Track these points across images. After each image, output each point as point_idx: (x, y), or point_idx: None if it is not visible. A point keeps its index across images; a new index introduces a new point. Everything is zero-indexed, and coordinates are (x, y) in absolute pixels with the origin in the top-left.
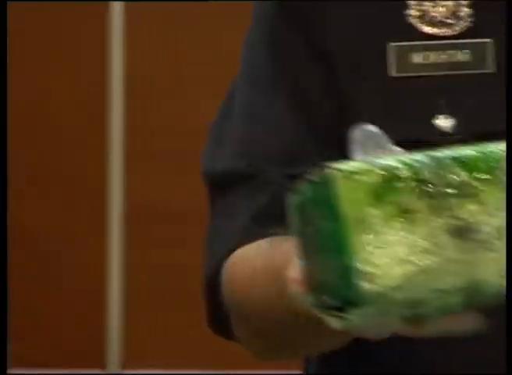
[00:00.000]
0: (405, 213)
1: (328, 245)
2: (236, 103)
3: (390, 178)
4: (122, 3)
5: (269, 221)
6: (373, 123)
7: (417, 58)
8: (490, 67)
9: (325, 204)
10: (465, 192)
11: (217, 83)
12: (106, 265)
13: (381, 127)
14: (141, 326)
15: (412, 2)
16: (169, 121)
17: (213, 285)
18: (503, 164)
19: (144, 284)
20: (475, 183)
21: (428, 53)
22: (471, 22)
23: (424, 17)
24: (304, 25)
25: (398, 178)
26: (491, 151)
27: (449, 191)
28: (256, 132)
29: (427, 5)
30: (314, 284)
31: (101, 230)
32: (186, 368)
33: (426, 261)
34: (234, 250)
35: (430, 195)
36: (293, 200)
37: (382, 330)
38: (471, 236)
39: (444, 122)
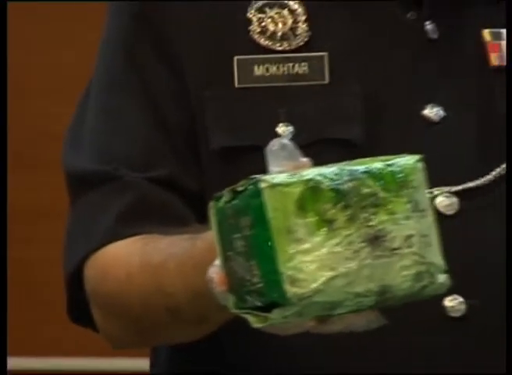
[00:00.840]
0: (326, 222)
1: (254, 251)
2: (93, 106)
3: (312, 190)
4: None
5: (132, 221)
6: (220, 129)
7: (259, 70)
8: (326, 79)
9: (253, 213)
10: (376, 203)
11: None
12: None
13: (226, 133)
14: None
15: (254, 18)
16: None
17: (74, 281)
18: (410, 177)
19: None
20: (384, 195)
21: (268, 66)
22: (307, 37)
23: (265, 32)
24: (154, 28)
25: (319, 190)
26: (399, 165)
27: (363, 201)
28: (112, 137)
29: (268, 22)
30: (236, 285)
31: None
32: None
33: (345, 267)
34: (97, 249)
35: (347, 206)
36: (215, 206)
37: (294, 329)
38: (384, 244)
39: (284, 129)
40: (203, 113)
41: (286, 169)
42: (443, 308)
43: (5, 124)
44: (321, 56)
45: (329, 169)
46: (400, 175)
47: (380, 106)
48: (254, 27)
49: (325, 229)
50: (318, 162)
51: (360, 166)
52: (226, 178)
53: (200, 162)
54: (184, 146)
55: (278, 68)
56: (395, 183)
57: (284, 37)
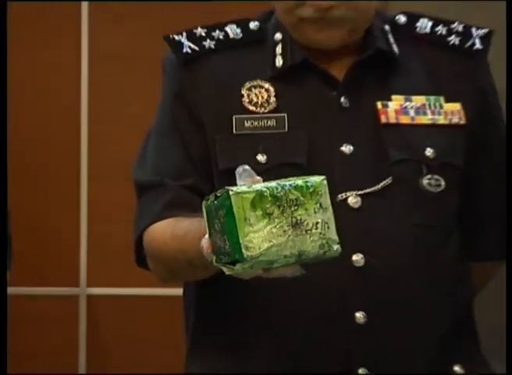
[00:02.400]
0: (267, 215)
1: (226, 230)
2: (152, 143)
3: (260, 196)
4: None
5: (170, 209)
6: (224, 157)
7: (247, 124)
8: (285, 128)
9: (225, 208)
10: (297, 203)
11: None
12: None
13: (227, 160)
14: None
15: (245, 93)
16: None
17: (138, 242)
18: (318, 189)
19: None
20: (302, 199)
21: (252, 121)
22: (275, 105)
23: (251, 102)
24: (187, 101)
25: (264, 196)
26: (311, 181)
27: (289, 203)
28: (161, 161)
29: (253, 96)
30: (216, 250)
31: None
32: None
33: (277, 240)
34: (150, 225)
35: (280, 205)
36: (205, 204)
37: (249, 275)
38: (301, 227)
39: (261, 158)
40: (214, 148)
41: (246, 183)
42: (351, 261)
43: (5, 124)
44: (283, 116)
45: (271, 184)
46: (312, 187)
47: (315, 145)
48: (245, 99)
49: (266, 219)
50: (279, 176)
51: (289, 181)
52: (227, 185)
53: (213, 177)
54: (203, 167)
55: (258, 122)
56: (308, 192)
57: (262, 105)
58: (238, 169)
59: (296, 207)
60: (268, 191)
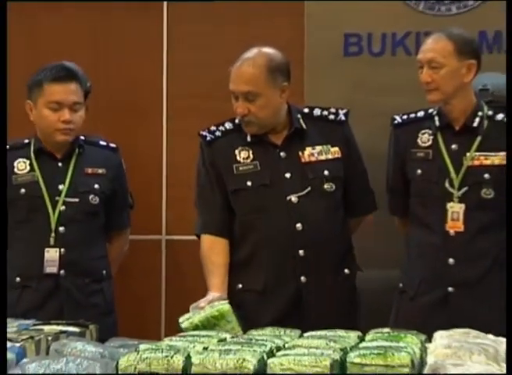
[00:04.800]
0: (198, 327)
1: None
2: (197, 194)
3: (194, 325)
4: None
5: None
6: (230, 185)
7: (241, 168)
8: (258, 168)
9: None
10: (215, 322)
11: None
12: None
13: (233, 185)
14: None
15: (237, 153)
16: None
17: (198, 235)
18: (225, 311)
19: None
20: (218, 320)
21: (243, 168)
22: (252, 157)
23: (241, 157)
24: (212, 165)
25: (195, 324)
26: (219, 307)
27: (212, 323)
28: (206, 209)
29: (243, 154)
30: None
31: None
32: None
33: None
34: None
35: (205, 326)
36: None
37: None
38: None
39: (249, 183)
40: (226, 182)
41: (194, 312)
42: (296, 227)
43: (5, 124)
44: (256, 163)
45: (202, 317)
46: (222, 311)
47: (272, 173)
48: (238, 157)
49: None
50: (258, 191)
51: (212, 315)
52: (235, 200)
53: (228, 197)
54: (223, 195)
55: (245, 167)
56: (221, 315)
57: (247, 160)
58: (192, 305)
59: (216, 322)
60: (199, 322)
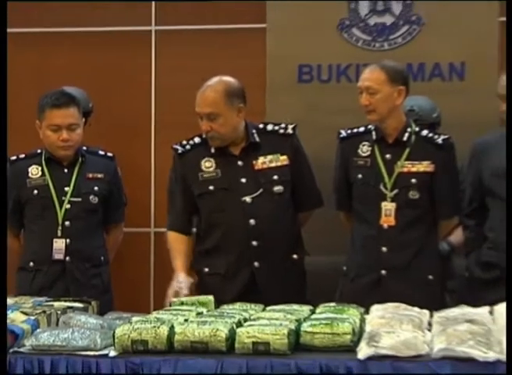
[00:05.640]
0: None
1: None
2: (167, 198)
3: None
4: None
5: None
6: (196, 190)
7: (205, 175)
8: (220, 175)
9: None
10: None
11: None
12: None
13: (198, 190)
14: None
15: (203, 163)
16: None
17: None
18: (206, 301)
19: None
20: (200, 305)
21: (207, 176)
22: (215, 166)
23: (205, 168)
24: (182, 176)
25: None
26: (204, 299)
27: (195, 306)
28: (173, 210)
29: (206, 165)
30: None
31: None
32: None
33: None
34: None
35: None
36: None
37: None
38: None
39: (211, 187)
40: (193, 188)
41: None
42: (249, 222)
43: (5, 124)
44: (219, 170)
45: (191, 299)
46: (207, 300)
47: (231, 178)
48: (203, 167)
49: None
50: (219, 193)
51: (200, 301)
52: (200, 202)
53: (195, 200)
54: (187, 200)
55: (209, 174)
56: (207, 303)
57: (210, 168)
58: (170, 291)
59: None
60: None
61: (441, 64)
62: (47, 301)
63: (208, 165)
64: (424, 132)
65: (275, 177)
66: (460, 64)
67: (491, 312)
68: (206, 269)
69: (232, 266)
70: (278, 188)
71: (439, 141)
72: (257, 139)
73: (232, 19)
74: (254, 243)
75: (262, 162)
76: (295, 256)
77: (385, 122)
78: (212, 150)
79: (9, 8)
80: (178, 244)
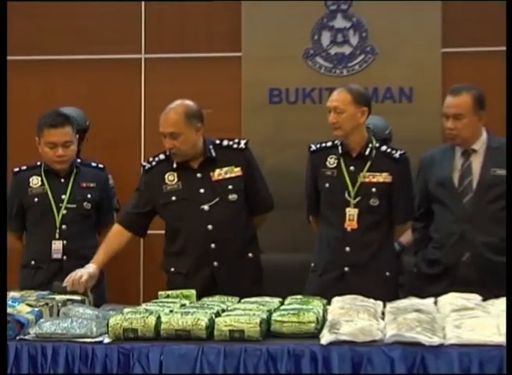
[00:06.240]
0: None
1: None
2: (132, 197)
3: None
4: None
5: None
6: (160, 200)
7: (169, 188)
8: (180, 187)
9: None
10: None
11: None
12: None
13: (162, 200)
14: None
15: (167, 177)
16: None
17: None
18: (189, 294)
19: None
20: (184, 297)
21: (171, 188)
22: (178, 179)
23: (169, 181)
24: (148, 185)
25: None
26: (188, 293)
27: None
28: (129, 208)
29: (170, 179)
30: None
31: None
32: None
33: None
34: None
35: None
36: None
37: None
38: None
39: (174, 198)
40: (157, 199)
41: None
42: (208, 228)
43: (5, 124)
44: (179, 183)
45: (176, 293)
46: (190, 293)
47: (191, 189)
48: (166, 180)
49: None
50: (183, 203)
51: (184, 294)
52: (164, 211)
53: (156, 208)
54: (150, 205)
55: (172, 187)
56: (190, 296)
57: (173, 181)
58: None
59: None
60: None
61: (392, 88)
62: (49, 294)
63: (171, 178)
64: (384, 147)
65: (230, 187)
66: (408, 88)
67: (435, 303)
68: (172, 269)
69: (193, 267)
70: (232, 196)
71: (397, 155)
72: (214, 154)
73: (211, 49)
74: (213, 245)
75: (218, 173)
76: (250, 255)
77: (349, 138)
78: (174, 165)
79: (16, 37)
80: (113, 240)
